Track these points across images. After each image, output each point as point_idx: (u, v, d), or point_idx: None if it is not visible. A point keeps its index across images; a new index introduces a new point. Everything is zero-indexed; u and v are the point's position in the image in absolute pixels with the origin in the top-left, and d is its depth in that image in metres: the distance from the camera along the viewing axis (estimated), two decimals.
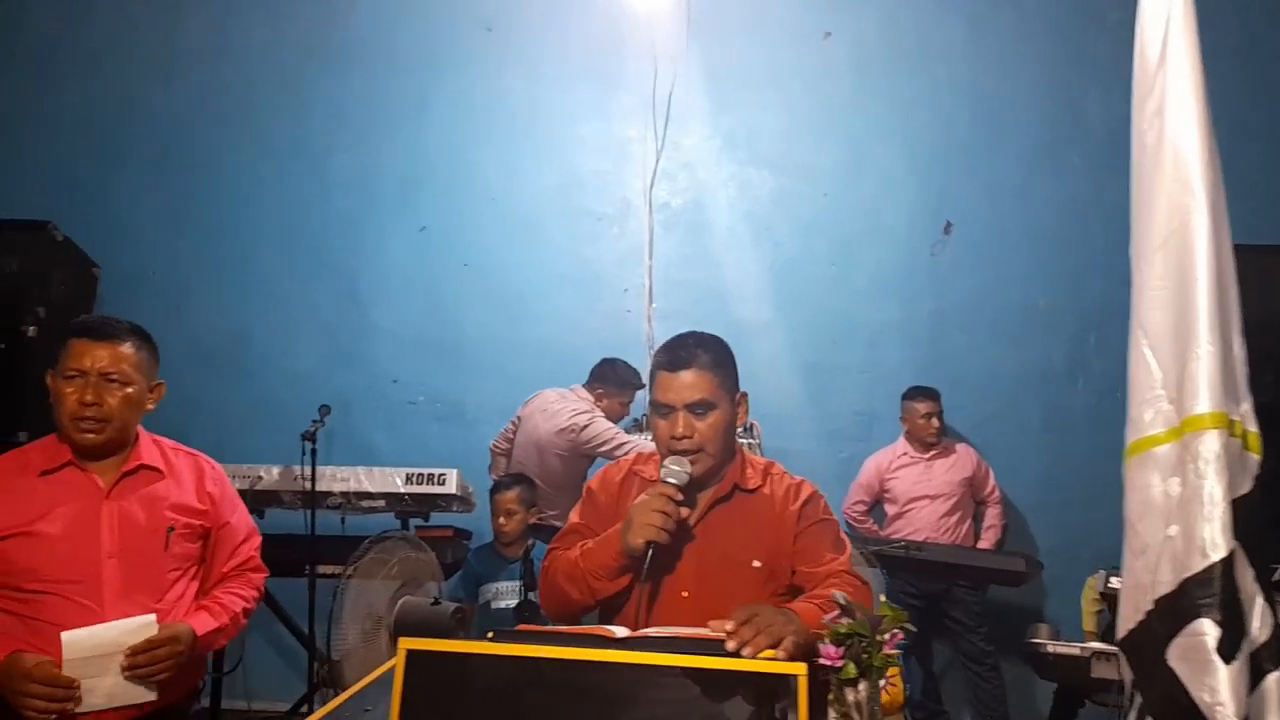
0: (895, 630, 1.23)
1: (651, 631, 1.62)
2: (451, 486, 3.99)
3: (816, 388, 5.00)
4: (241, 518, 2.33)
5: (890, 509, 4.69)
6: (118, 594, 2.03)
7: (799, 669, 1.30)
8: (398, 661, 1.44)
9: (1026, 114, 5.09)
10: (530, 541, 3.71)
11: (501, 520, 3.78)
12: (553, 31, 5.21)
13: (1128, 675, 1.63)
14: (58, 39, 5.29)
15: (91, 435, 2.07)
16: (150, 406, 2.20)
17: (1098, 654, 3.09)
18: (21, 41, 5.29)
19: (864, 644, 1.22)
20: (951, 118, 5.12)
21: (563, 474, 4.20)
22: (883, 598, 1.29)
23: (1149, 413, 1.64)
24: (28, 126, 5.23)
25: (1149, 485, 1.62)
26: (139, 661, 1.95)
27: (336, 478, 3.97)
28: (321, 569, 3.82)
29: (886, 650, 1.23)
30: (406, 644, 1.45)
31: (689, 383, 1.88)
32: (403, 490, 3.96)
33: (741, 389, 1.99)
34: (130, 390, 2.11)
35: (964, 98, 5.12)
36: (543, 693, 1.40)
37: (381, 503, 4.00)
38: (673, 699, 1.35)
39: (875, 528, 4.73)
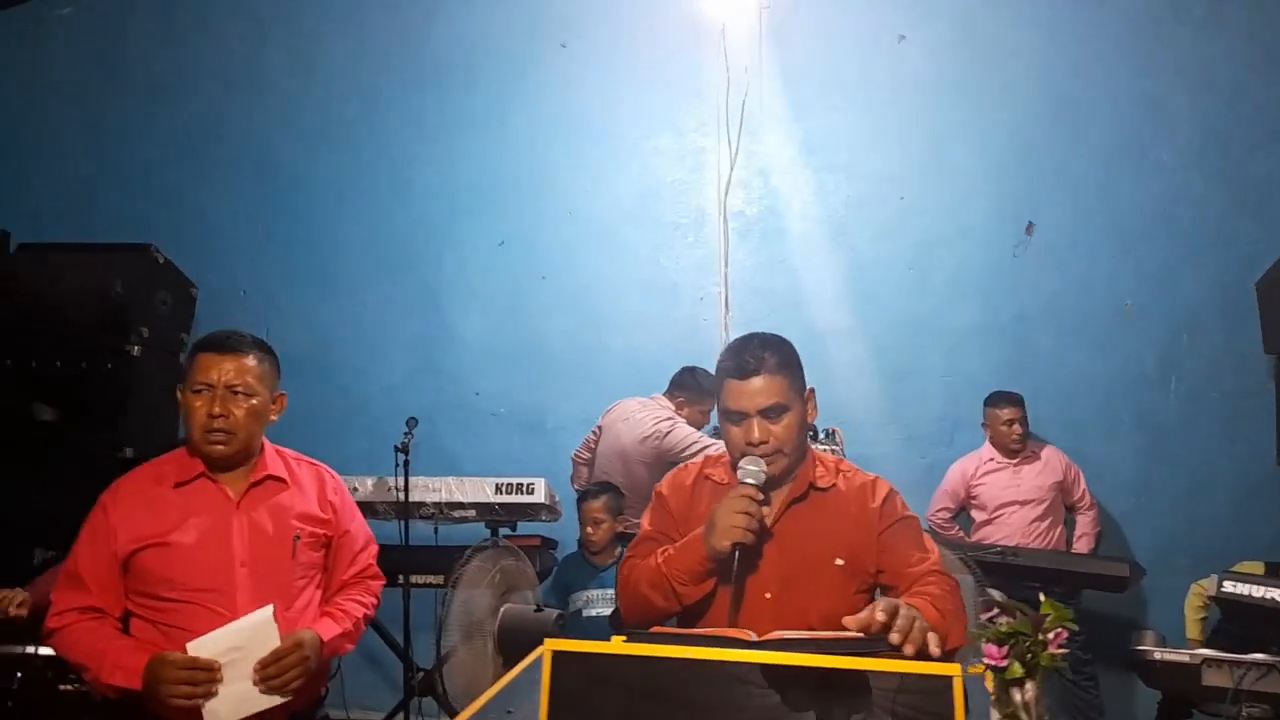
0: (1059, 629, 1.22)
1: (788, 634, 1.62)
2: (540, 496, 4.02)
3: (897, 393, 4.94)
4: (360, 526, 2.38)
5: (978, 515, 4.61)
6: (250, 602, 2.07)
7: (953, 670, 1.30)
8: (544, 663, 1.47)
9: (1107, 113, 4.96)
10: (619, 550, 3.75)
11: (589, 530, 3.81)
12: (626, 45, 5.24)
13: None
14: (151, 63, 5.49)
15: (221, 447, 2.13)
16: (274, 418, 2.24)
17: (1209, 661, 3.01)
18: (116, 72, 5.50)
19: (1028, 643, 1.21)
20: (1030, 118, 5.02)
21: (648, 482, 4.18)
22: (1043, 596, 1.28)
23: None
24: (124, 146, 5.45)
25: None
26: (269, 673, 1.99)
27: (429, 488, 4.02)
28: (415, 579, 3.88)
29: (1051, 650, 1.22)
30: (551, 645, 1.48)
31: (760, 388, 1.87)
32: (493, 500, 4.01)
33: (809, 385, 1.97)
34: (255, 401, 2.16)
35: (1042, 97, 5.02)
36: (684, 694, 1.42)
37: (472, 512, 4.05)
38: (815, 698, 1.37)
39: (962, 534, 4.66)
